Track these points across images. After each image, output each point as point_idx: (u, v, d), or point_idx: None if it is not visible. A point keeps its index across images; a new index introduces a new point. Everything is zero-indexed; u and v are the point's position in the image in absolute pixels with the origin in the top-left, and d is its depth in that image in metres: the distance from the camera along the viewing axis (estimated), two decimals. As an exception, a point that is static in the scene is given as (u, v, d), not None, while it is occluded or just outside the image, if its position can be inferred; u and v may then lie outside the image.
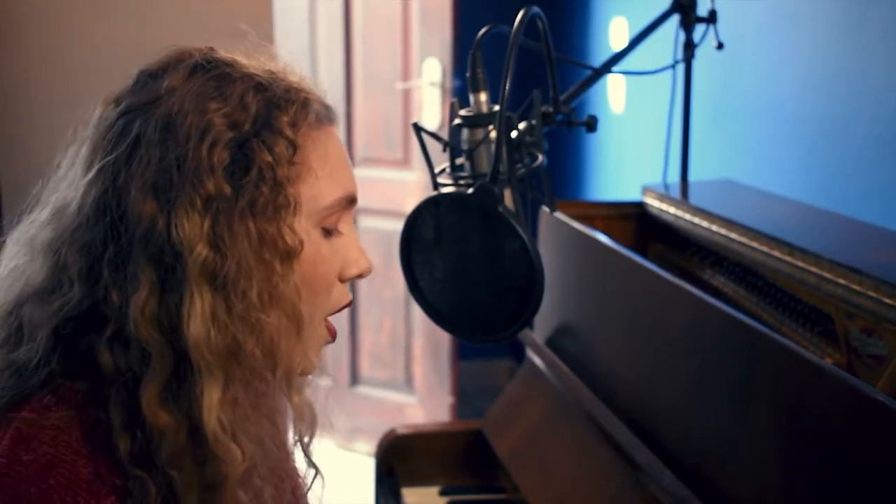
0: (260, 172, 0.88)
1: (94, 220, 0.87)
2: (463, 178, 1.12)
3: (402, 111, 3.41)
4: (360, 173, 3.51)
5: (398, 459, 1.87)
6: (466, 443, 1.87)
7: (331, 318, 1.01)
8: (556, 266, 1.76)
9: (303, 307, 0.91)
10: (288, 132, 0.90)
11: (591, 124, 1.33)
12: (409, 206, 1.18)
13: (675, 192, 1.89)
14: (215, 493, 0.87)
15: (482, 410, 1.92)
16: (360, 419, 3.57)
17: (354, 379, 3.63)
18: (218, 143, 0.87)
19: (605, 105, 3.27)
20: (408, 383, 3.55)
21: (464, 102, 1.16)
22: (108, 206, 0.87)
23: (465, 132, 1.14)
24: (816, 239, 1.48)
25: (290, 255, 0.89)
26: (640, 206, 1.93)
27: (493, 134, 1.10)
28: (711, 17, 1.90)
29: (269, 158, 0.88)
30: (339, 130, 0.99)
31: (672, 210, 1.80)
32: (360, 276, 0.99)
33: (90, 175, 0.88)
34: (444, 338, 3.40)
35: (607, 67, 1.62)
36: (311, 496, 1.09)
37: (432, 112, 3.33)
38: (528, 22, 1.10)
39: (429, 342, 3.45)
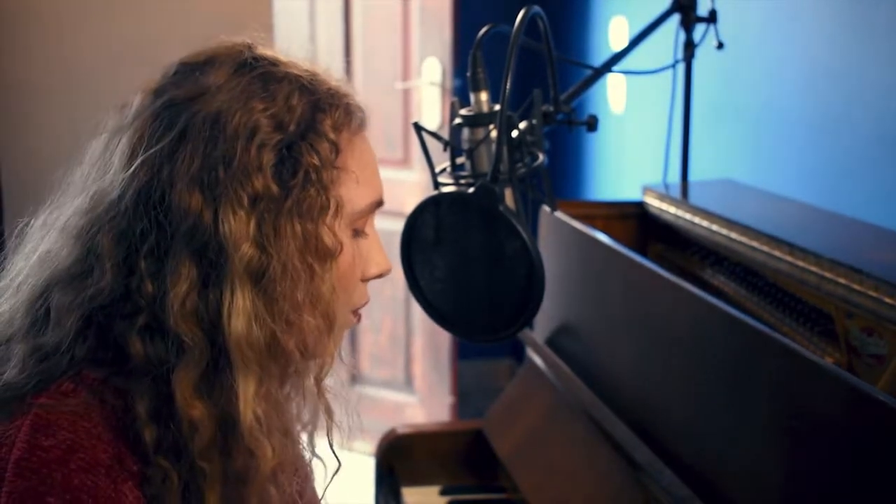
0: (307, 174, 0.89)
1: (134, 211, 0.87)
2: (463, 177, 1.12)
3: (402, 111, 3.41)
4: (361, 173, 3.51)
5: (398, 459, 1.87)
6: (466, 442, 1.87)
7: None
8: (556, 266, 1.76)
9: (338, 306, 0.93)
10: (332, 135, 0.92)
11: (592, 124, 1.33)
12: (410, 205, 1.18)
13: (676, 192, 1.89)
14: (244, 486, 0.89)
15: (482, 410, 1.92)
16: (361, 419, 3.57)
17: (354, 378, 3.63)
18: (266, 144, 0.88)
19: (606, 105, 3.27)
20: (408, 383, 3.55)
21: (464, 102, 1.16)
22: (150, 197, 0.87)
23: (465, 132, 1.14)
24: (817, 239, 1.48)
25: (329, 255, 0.91)
26: (640, 206, 1.93)
27: (494, 133, 1.10)
28: (712, 17, 1.90)
29: (316, 161, 0.90)
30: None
31: (672, 210, 1.80)
32: (380, 275, 1.01)
33: (134, 166, 0.88)
34: (444, 337, 3.40)
35: (608, 67, 1.62)
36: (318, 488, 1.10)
37: (432, 112, 3.33)
38: (529, 21, 1.10)
39: (429, 342, 3.45)
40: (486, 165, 1.12)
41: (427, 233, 1.10)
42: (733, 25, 2.16)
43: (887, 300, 1.23)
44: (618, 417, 1.47)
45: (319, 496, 1.12)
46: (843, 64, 2.15)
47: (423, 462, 1.87)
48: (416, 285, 1.13)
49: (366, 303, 1.01)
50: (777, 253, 1.46)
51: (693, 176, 2.08)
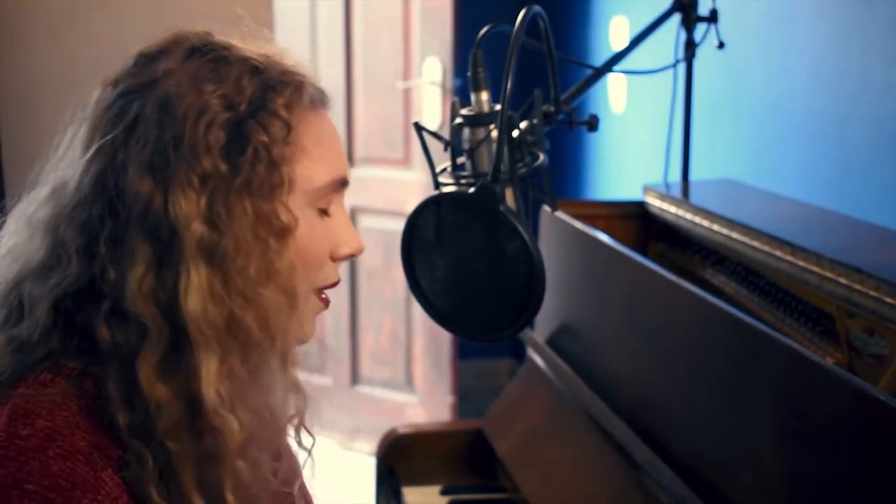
0: (256, 152, 0.90)
1: (92, 198, 0.89)
2: (464, 177, 1.12)
3: (402, 110, 3.41)
4: (361, 173, 3.51)
5: (399, 459, 1.87)
6: (467, 442, 1.87)
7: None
8: (557, 265, 1.76)
9: (298, 282, 0.94)
10: (283, 113, 0.93)
11: (593, 124, 1.33)
12: (410, 205, 1.18)
13: (676, 192, 1.89)
14: (214, 464, 0.89)
15: (483, 410, 1.92)
16: (361, 419, 3.57)
17: (355, 378, 3.63)
18: (214, 123, 0.89)
19: (606, 104, 3.27)
20: (408, 383, 3.55)
21: (465, 102, 1.16)
22: (105, 184, 0.89)
23: (466, 131, 1.14)
24: (817, 238, 1.48)
25: (284, 232, 0.92)
26: (641, 206, 1.93)
27: (495, 133, 1.09)
28: (712, 17, 1.90)
29: (265, 138, 0.91)
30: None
31: (673, 209, 1.80)
32: (352, 255, 1.02)
33: (89, 154, 0.90)
34: (444, 337, 3.40)
35: (608, 67, 1.62)
36: (308, 482, 1.11)
37: (433, 111, 3.33)
38: (530, 21, 1.10)
39: (429, 342, 3.45)
40: (486, 165, 1.12)
41: (428, 233, 1.10)
42: (734, 25, 2.16)
43: (888, 300, 1.23)
44: (618, 417, 1.46)
45: (316, 493, 1.12)
46: (844, 63, 2.15)
47: (423, 462, 1.87)
48: (416, 285, 1.13)
49: (335, 283, 1.02)
50: (778, 253, 1.46)
51: (694, 176, 2.08)
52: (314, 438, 1.05)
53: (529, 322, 1.11)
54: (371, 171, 3.50)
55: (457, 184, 1.12)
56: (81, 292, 0.90)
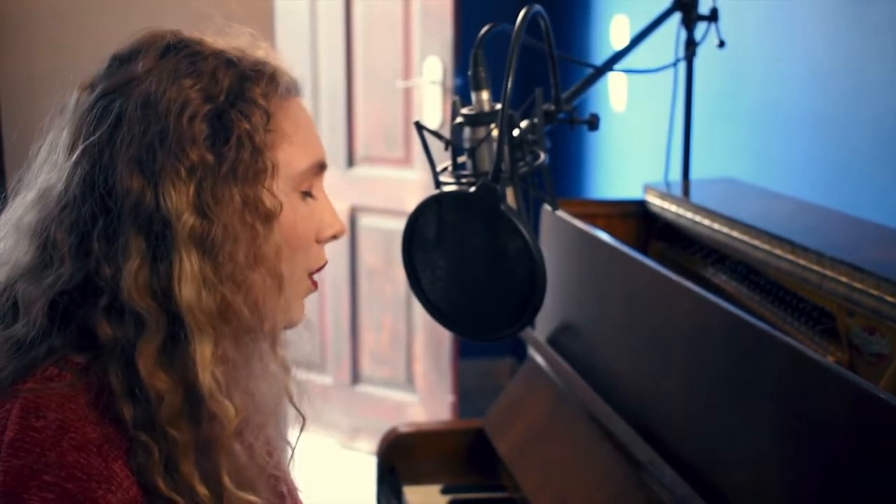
0: (239, 140, 0.93)
1: (81, 199, 0.91)
2: (465, 176, 1.12)
3: (403, 110, 3.41)
4: (361, 172, 3.51)
5: (399, 458, 1.87)
6: (468, 441, 1.87)
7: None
8: (557, 264, 1.76)
9: (283, 266, 0.96)
10: (261, 101, 0.95)
11: (593, 123, 1.33)
12: (411, 204, 1.18)
13: (677, 191, 1.89)
14: (211, 449, 0.92)
15: (483, 409, 1.92)
16: (362, 418, 3.57)
17: (355, 378, 3.63)
18: (197, 115, 0.92)
19: (607, 103, 3.27)
20: (409, 382, 3.55)
21: (465, 101, 1.16)
22: (95, 183, 0.91)
23: (466, 131, 1.14)
24: (818, 237, 1.48)
25: (270, 216, 0.95)
26: (641, 205, 1.93)
27: (495, 132, 1.10)
28: (713, 16, 1.90)
29: (247, 126, 0.94)
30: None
31: (673, 208, 1.80)
32: (335, 237, 1.04)
33: (74, 156, 0.92)
34: (445, 336, 3.40)
35: (609, 66, 1.62)
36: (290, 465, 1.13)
37: (433, 111, 3.33)
38: (530, 20, 1.10)
39: (430, 341, 3.45)
40: (487, 164, 1.12)
41: (428, 232, 1.10)
42: (734, 24, 2.16)
43: (889, 299, 1.23)
44: (619, 416, 1.47)
45: (308, 488, 1.14)
46: (844, 62, 2.15)
47: (424, 461, 1.87)
48: (417, 284, 1.13)
49: (323, 265, 1.04)
50: (778, 251, 1.46)
51: (694, 174, 2.08)
52: (304, 417, 1.07)
53: (530, 321, 1.11)
54: (372, 171, 3.50)
55: (458, 183, 1.12)
56: (77, 290, 0.91)
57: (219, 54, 0.96)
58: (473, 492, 1.78)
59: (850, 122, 2.13)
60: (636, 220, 1.93)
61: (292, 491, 1.11)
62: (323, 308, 3.59)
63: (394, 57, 3.38)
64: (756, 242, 1.52)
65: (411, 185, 3.39)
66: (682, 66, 1.97)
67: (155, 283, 0.90)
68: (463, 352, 3.53)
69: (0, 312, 0.95)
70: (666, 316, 1.39)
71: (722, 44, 1.90)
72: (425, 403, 3.50)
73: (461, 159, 1.16)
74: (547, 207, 1.82)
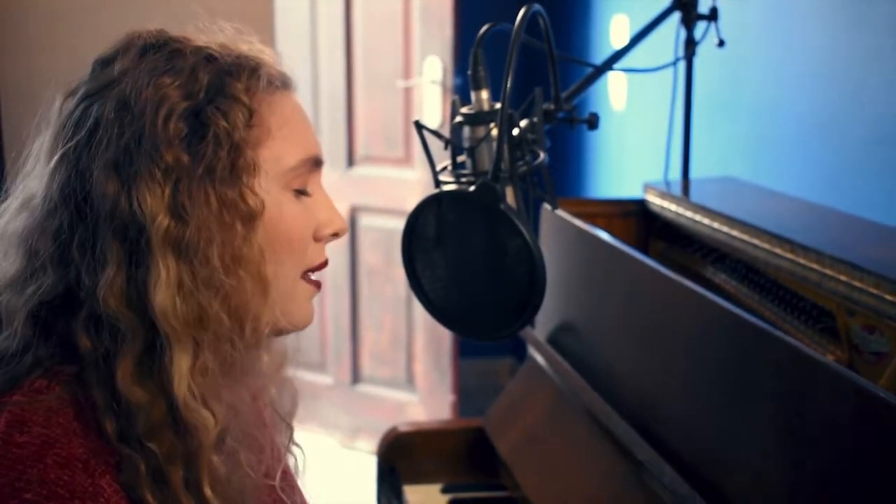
0: (216, 138, 0.89)
1: (60, 206, 0.89)
2: (464, 175, 1.12)
3: (402, 109, 3.41)
4: (361, 172, 3.51)
5: (400, 457, 1.87)
6: (468, 440, 1.87)
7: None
8: (557, 264, 1.76)
9: (269, 268, 0.92)
10: (243, 97, 0.92)
11: (593, 122, 1.33)
12: (411, 204, 1.18)
13: (677, 190, 1.89)
14: (192, 460, 0.89)
15: (483, 408, 1.92)
16: (362, 417, 3.57)
17: (356, 377, 3.63)
18: (173, 114, 0.88)
19: (607, 102, 3.27)
20: (409, 381, 3.55)
21: (465, 100, 1.16)
22: (72, 190, 0.89)
23: (466, 130, 1.14)
24: (818, 236, 1.48)
25: (251, 216, 0.91)
26: (641, 204, 1.93)
27: (495, 132, 1.10)
28: (712, 15, 1.90)
29: (225, 124, 0.90)
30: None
31: (673, 207, 1.80)
32: (336, 235, 1.01)
33: (52, 163, 0.90)
34: (445, 336, 3.40)
35: (608, 65, 1.62)
36: (294, 470, 1.10)
37: (433, 110, 3.33)
38: (530, 19, 1.10)
39: (430, 340, 3.45)
40: (487, 164, 1.12)
41: (428, 231, 1.10)
42: (734, 23, 2.16)
43: (888, 297, 1.23)
44: (619, 415, 1.47)
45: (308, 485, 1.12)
46: (843, 61, 2.15)
47: (424, 460, 1.87)
48: (417, 284, 1.13)
49: (322, 264, 1.00)
50: (778, 250, 1.46)
51: (694, 173, 2.08)
52: (292, 428, 1.04)
53: (530, 320, 1.11)
54: (371, 170, 3.50)
55: (457, 182, 1.12)
56: (58, 301, 0.89)
57: (199, 51, 0.93)
58: (473, 491, 1.78)
59: (850, 121, 2.13)
60: (636, 219, 1.93)
61: (294, 498, 1.08)
62: (323, 308, 3.59)
63: (394, 56, 3.38)
64: (756, 241, 1.52)
65: (411, 185, 3.39)
66: (682, 65, 1.97)
67: (132, 291, 0.87)
68: (463, 351, 3.53)
69: None
70: (666, 315, 1.39)
71: (721, 43, 1.90)
72: (425, 403, 3.50)
73: (461, 158, 1.16)
74: (547, 207, 1.82)
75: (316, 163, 0.99)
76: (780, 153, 2.40)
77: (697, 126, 2.14)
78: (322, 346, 3.65)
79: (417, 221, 1.11)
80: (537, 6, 1.13)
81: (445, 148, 1.17)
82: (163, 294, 0.86)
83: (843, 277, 1.32)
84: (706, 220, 1.67)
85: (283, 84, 0.98)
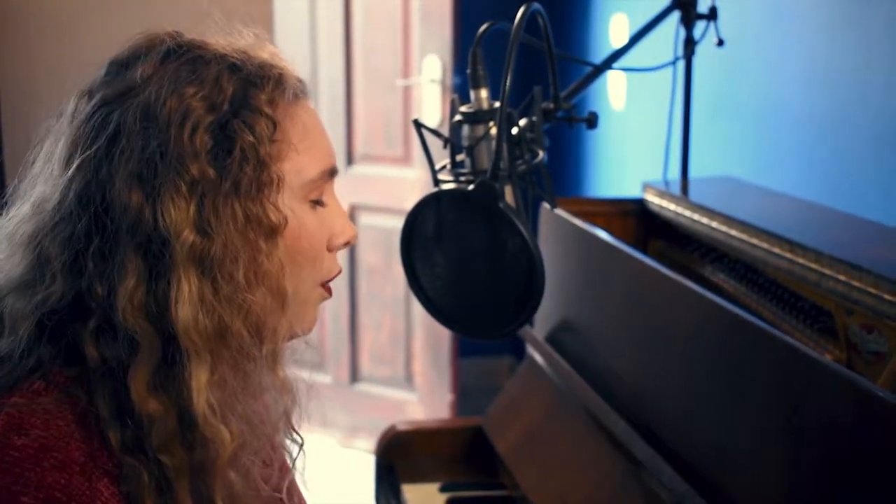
0: (243, 153, 0.89)
1: (76, 214, 0.88)
2: (463, 174, 1.13)
3: (402, 108, 3.41)
4: (361, 170, 3.51)
5: (398, 456, 1.87)
6: (467, 439, 1.87)
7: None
8: (556, 263, 1.76)
9: (287, 281, 0.92)
10: (267, 110, 0.91)
11: (592, 121, 1.33)
12: (410, 203, 1.18)
13: (676, 189, 1.89)
14: (206, 475, 0.88)
15: (482, 408, 1.93)
16: (361, 416, 3.58)
17: (355, 376, 3.63)
18: (199, 126, 0.87)
19: (606, 102, 3.27)
20: (408, 381, 3.55)
21: (464, 99, 1.16)
22: (91, 199, 0.87)
23: (465, 129, 1.14)
24: (816, 235, 1.48)
25: (274, 232, 0.90)
26: (640, 203, 1.93)
27: (494, 130, 1.10)
28: (712, 14, 1.90)
29: (251, 138, 0.89)
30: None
31: (672, 207, 1.80)
32: (347, 244, 1.00)
33: (70, 170, 0.88)
34: (444, 335, 3.40)
35: (608, 64, 1.62)
36: (297, 474, 1.09)
37: (433, 109, 3.33)
38: (529, 18, 1.10)
39: (429, 339, 3.45)
40: (486, 162, 1.12)
41: (427, 230, 1.10)
42: (733, 22, 2.16)
43: (887, 297, 1.24)
44: (618, 414, 1.47)
45: (307, 492, 1.11)
46: (843, 61, 2.15)
47: (423, 459, 1.87)
48: (416, 282, 1.13)
49: (337, 274, 1.00)
50: (777, 250, 1.46)
51: (693, 173, 2.08)
52: (302, 438, 1.03)
53: (529, 319, 1.11)
54: (371, 169, 3.50)
55: (456, 181, 1.12)
56: (67, 309, 0.88)
57: (222, 58, 0.92)
58: (472, 490, 1.78)
59: (849, 121, 2.13)
60: (635, 218, 1.93)
61: None
62: (322, 307, 3.58)
63: (393, 55, 3.39)
64: (755, 241, 1.52)
65: (411, 184, 3.39)
66: (681, 64, 1.97)
67: (151, 304, 0.86)
68: (462, 350, 3.53)
69: None
70: (664, 314, 1.39)
71: (721, 42, 1.90)
72: (424, 402, 3.50)
73: (460, 157, 1.16)
74: (546, 206, 1.82)
75: (332, 173, 0.98)
76: (779, 153, 2.40)
77: (696, 125, 2.14)
78: (321, 345, 3.65)
79: (416, 220, 1.11)
80: (536, 5, 1.13)
81: (445, 147, 1.17)
82: (185, 309, 0.85)
83: (841, 277, 1.32)
84: (705, 220, 1.67)
85: (302, 93, 0.97)
